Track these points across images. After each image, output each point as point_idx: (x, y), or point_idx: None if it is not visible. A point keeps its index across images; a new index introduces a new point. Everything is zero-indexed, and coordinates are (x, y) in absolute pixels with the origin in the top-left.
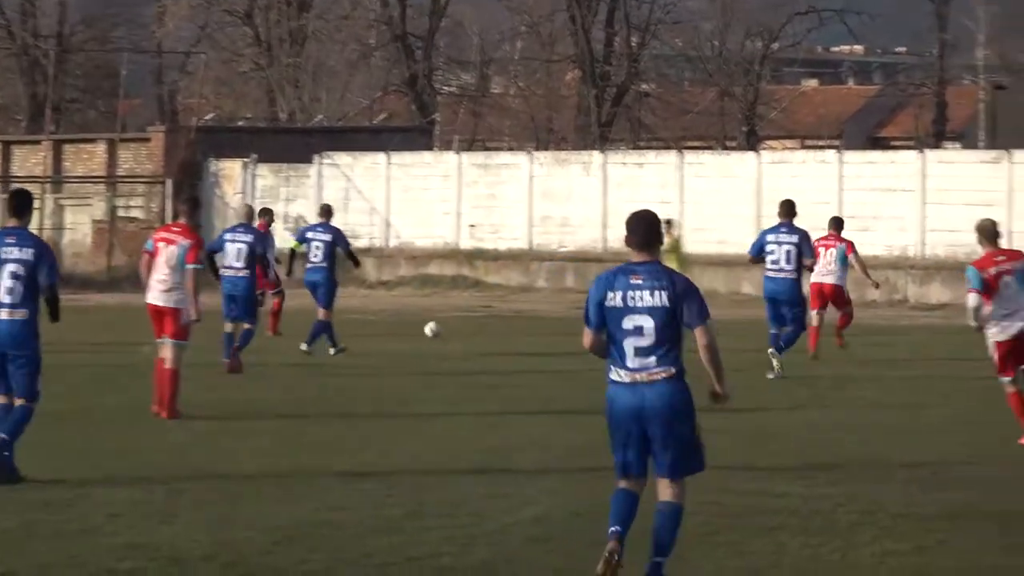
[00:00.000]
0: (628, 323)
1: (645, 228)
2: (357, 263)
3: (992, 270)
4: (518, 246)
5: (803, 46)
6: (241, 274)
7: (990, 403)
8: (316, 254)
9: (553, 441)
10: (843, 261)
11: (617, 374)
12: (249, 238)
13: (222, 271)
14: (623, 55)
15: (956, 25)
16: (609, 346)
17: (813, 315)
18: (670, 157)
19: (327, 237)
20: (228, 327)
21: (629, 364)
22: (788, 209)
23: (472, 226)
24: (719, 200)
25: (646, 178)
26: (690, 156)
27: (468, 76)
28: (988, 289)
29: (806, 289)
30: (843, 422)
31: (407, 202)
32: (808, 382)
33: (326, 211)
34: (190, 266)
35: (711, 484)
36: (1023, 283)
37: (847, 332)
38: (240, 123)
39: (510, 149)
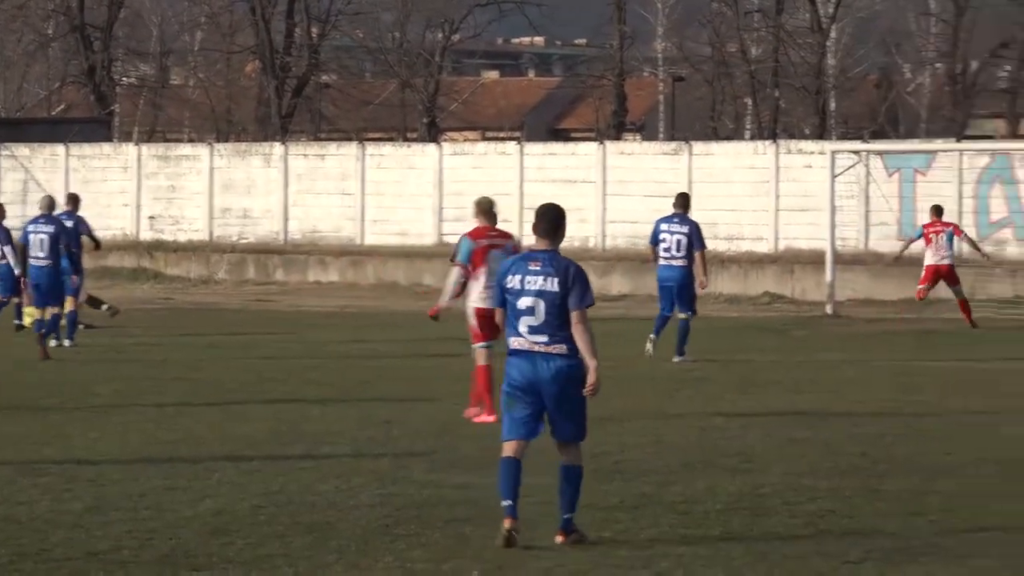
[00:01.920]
0: (522, 303)
1: (551, 218)
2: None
3: (484, 241)
4: (199, 238)
5: (484, 37)
6: (46, 263)
7: (669, 392)
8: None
9: (231, 432)
10: (951, 242)
11: (515, 342)
12: (51, 228)
13: (30, 261)
14: (304, 46)
15: (635, 17)
16: (506, 320)
17: (921, 289)
18: (351, 149)
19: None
20: (37, 313)
21: (522, 334)
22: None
23: (152, 218)
24: (400, 192)
25: (327, 170)
26: (371, 148)
27: (148, 67)
28: (474, 260)
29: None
30: None
31: (87, 194)
32: None
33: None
34: None
35: (392, 474)
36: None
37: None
38: None
39: (190, 140)
